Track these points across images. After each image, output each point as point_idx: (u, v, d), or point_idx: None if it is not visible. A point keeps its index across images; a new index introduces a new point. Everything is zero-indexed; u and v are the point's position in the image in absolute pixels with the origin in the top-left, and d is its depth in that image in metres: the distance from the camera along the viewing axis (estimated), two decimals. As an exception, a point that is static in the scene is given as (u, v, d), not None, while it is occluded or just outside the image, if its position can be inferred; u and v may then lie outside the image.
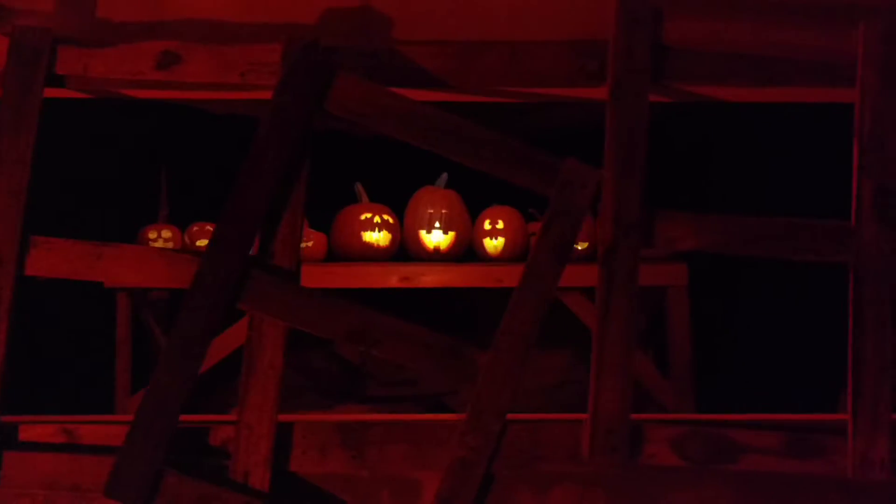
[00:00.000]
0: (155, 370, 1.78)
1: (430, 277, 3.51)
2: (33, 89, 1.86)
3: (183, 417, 1.85)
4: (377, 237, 3.49)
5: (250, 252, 1.83)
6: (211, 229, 3.29)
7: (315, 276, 3.47)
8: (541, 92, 2.00)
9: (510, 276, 3.53)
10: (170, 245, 3.31)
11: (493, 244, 3.45)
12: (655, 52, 1.92)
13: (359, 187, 3.56)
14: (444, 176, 3.50)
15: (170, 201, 3.91)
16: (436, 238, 3.46)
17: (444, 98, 1.98)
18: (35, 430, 1.87)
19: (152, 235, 3.26)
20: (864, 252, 1.89)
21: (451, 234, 3.48)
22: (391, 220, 3.48)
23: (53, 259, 1.86)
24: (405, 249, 3.47)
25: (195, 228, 3.34)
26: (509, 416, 1.85)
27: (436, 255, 3.45)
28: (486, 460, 1.83)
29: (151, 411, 1.78)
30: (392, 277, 3.44)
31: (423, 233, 3.45)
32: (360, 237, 3.43)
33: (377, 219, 3.50)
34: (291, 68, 1.83)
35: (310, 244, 3.40)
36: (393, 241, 3.48)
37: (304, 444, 1.87)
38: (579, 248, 3.62)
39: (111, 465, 1.77)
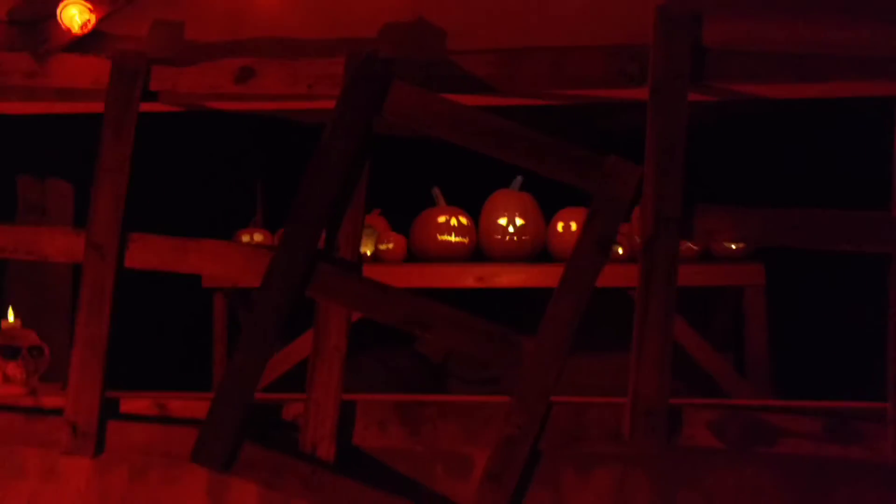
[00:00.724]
0: (235, 352, 2.00)
1: (504, 278, 3.64)
2: (131, 105, 2.12)
3: (259, 396, 2.07)
4: (452, 239, 3.65)
5: (316, 247, 2.03)
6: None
7: (395, 276, 3.65)
8: (583, 94, 2.12)
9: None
10: None
11: (566, 245, 3.57)
12: (695, 53, 2.02)
13: (436, 191, 3.73)
14: (519, 179, 3.63)
15: (263, 207, 4.22)
16: (510, 242, 3.59)
17: (495, 103, 2.14)
18: (133, 403, 2.12)
19: (245, 238, 3.54)
20: (904, 243, 1.93)
21: (526, 237, 3.61)
22: (466, 223, 3.63)
23: (147, 253, 2.11)
24: (481, 250, 3.61)
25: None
26: (553, 398, 1.98)
27: (510, 256, 3.58)
28: (532, 438, 1.96)
29: (231, 388, 1.99)
30: (468, 277, 3.59)
31: (497, 237, 3.59)
32: (436, 239, 3.60)
33: (453, 221, 3.66)
34: (351, 79, 2.02)
35: (390, 246, 3.60)
36: (469, 242, 3.63)
37: (365, 420, 2.05)
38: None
39: (197, 435, 1.99)
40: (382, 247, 3.62)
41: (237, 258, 2.08)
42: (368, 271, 3.53)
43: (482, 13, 2.13)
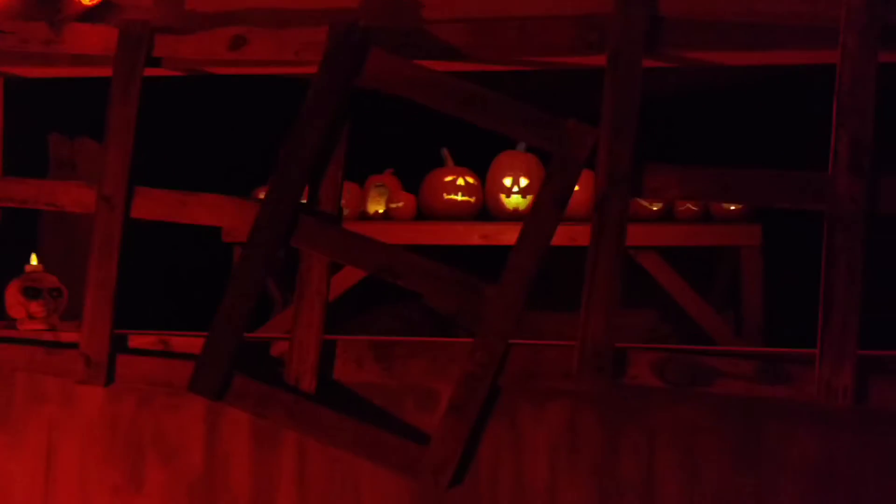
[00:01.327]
0: (226, 294, 2.23)
1: (508, 236, 3.80)
2: (136, 69, 2.33)
3: (251, 335, 2.30)
4: (458, 197, 3.81)
5: (300, 200, 2.24)
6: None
7: (404, 234, 3.84)
8: (548, 60, 2.29)
9: (584, 236, 3.77)
10: None
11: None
12: (651, 22, 2.16)
13: (445, 152, 3.89)
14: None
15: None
16: (514, 200, 3.74)
17: (467, 69, 2.31)
18: (140, 339, 2.38)
19: (262, 195, 3.73)
20: (838, 201, 2.07)
21: (530, 196, 3.76)
22: (473, 182, 3.80)
23: (151, 205, 2.35)
24: (487, 209, 3.77)
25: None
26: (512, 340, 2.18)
27: (514, 215, 3.74)
28: (492, 375, 2.16)
29: (223, 326, 2.23)
30: (473, 235, 3.77)
31: (502, 196, 3.76)
32: (442, 198, 3.77)
33: (460, 181, 3.83)
34: (332, 47, 2.21)
35: (401, 205, 3.78)
36: (476, 201, 3.80)
37: (344, 357, 2.27)
38: (654, 208, 3.82)
39: (193, 367, 2.24)
40: (393, 205, 3.80)
41: (230, 209, 2.30)
42: (379, 229, 3.77)
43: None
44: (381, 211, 3.78)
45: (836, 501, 2.10)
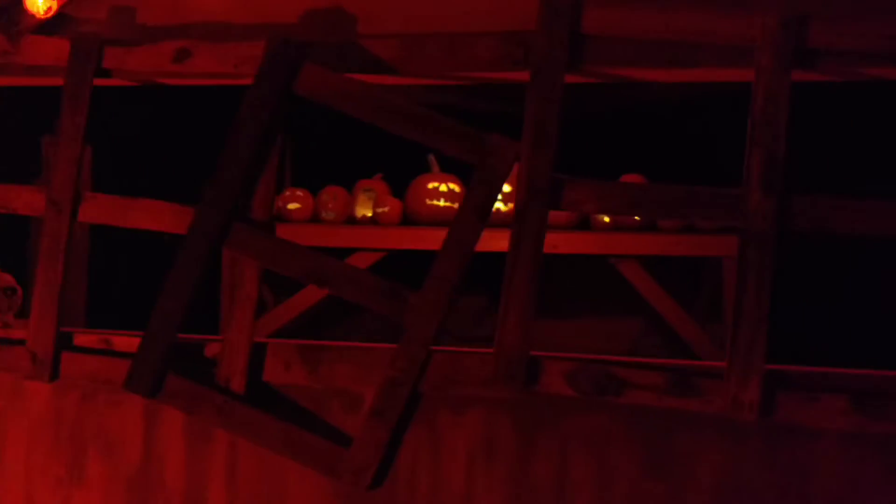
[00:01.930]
0: (160, 297, 2.32)
1: (486, 243, 3.86)
2: (86, 80, 2.44)
3: (187, 336, 2.39)
4: (441, 203, 3.87)
5: (233, 207, 2.32)
6: (301, 194, 3.86)
7: (389, 238, 3.91)
8: (475, 75, 2.35)
9: (566, 243, 3.83)
10: None
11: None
12: (574, 40, 2.21)
13: (431, 158, 3.94)
14: None
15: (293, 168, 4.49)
16: (497, 206, 3.79)
17: (399, 82, 2.38)
18: (84, 338, 2.49)
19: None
20: (749, 217, 2.10)
21: (511, 204, 3.81)
22: (457, 189, 3.83)
23: (97, 209, 2.46)
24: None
25: (287, 193, 3.88)
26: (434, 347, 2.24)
27: (494, 222, 3.78)
28: (413, 381, 2.23)
29: (157, 328, 2.32)
30: None
31: None
32: (425, 203, 3.83)
33: (443, 187, 3.89)
34: (266, 61, 2.30)
35: (386, 209, 3.84)
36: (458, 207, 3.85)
37: (273, 359, 2.35)
38: (637, 217, 3.84)
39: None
40: (379, 210, 3.86)
41: (169, 214, 2.40)
42: (365, 233, 3.80)
43: (388, 2, 2.37)
44: (368, 215, 3.85)
45: (742, 511, 2.13)
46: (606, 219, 3.66)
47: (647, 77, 2.30)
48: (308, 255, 2.33)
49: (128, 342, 2.44)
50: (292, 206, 3.86)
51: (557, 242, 3.77)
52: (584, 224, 3.71)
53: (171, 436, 2.41)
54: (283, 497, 2.35)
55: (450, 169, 3.87)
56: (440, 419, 2.27)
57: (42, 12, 2.43)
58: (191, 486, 2.39)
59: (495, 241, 3.76)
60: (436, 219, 3.79)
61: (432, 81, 2.39)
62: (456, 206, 3.78)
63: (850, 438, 2.08)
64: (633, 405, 2.15)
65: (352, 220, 3.86)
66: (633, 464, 2.17)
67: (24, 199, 2.51)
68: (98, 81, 2.47)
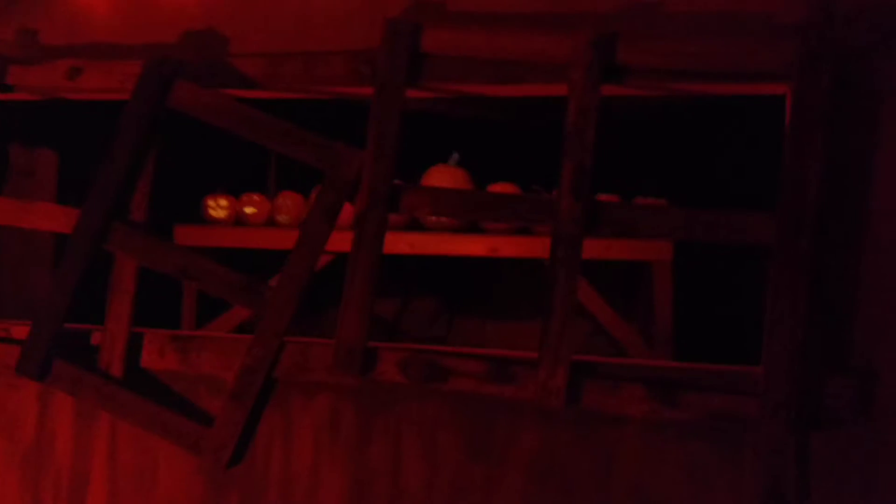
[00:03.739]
0: (48, 289, 2.58)
1: (433, 246, 4.06)
2: (-13, 95, 2.74)
3: (75, 325, 2.63)
4: None
5: (113, 209, 2.58)
6: (257, 199, 4.10)
7: (338, 242, 4.10)
8: (329, 90, 2.58)
9: (506, 246, 4.02)
10: (224, 212, 4.13)
11: None
12: (414, 58, 2.43)
13: None
14: (455, 155, 4.00)
15: (276, 174, 4.74)
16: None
17: (263, 96, 2.62)
18: (-13, 327, 2.76)
19: (211, 203, 4.08)
20: (561, 220, 2.29)
21: None
22: None
23: (-2, 212, 2.74)
24: (416, 219, 3.93)
25: (244, 197, 4.13)
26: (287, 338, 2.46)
27: (439, 225, 3.98)
28: (267, 368, 2.46)
29: (44, 317, 2.59)
30: (402, 244, 4.00)
31: None
32: None
33: None
34: (142, 77, 2.55)
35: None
36: None
37: (149, 347, 2.59)
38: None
39: (23, 352, 2.60)
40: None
41: (61, 216, 2.66)
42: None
43: (256, 23, 2.61)
44: None
45: (553, 491, 2.31)
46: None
47: (482, 92, 2.51)
48: (178, 253, 2.57)
49: (26, 331, 2.70)
50: (249, 209, 4.11)
51: (498, 246, 3.96)
52: (526, 228, 3.84)
53: (61, 417, 2.67)
54: (156, 472, 2.59)
55: (399, 176, 4.08)
56: (293, 403, 2.50)
57: (-47, 34, 2.72)
58: (77, 462, 2.65)
59: (449, 245, 4.01)
60: None
61: (291, 96, 2.62)
62: None
63: (649, 426, 2.26)
64: (460, 392, 2.35)
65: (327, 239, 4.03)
66: (459, 446, 2.38)
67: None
68: (2, 96, 2.75)
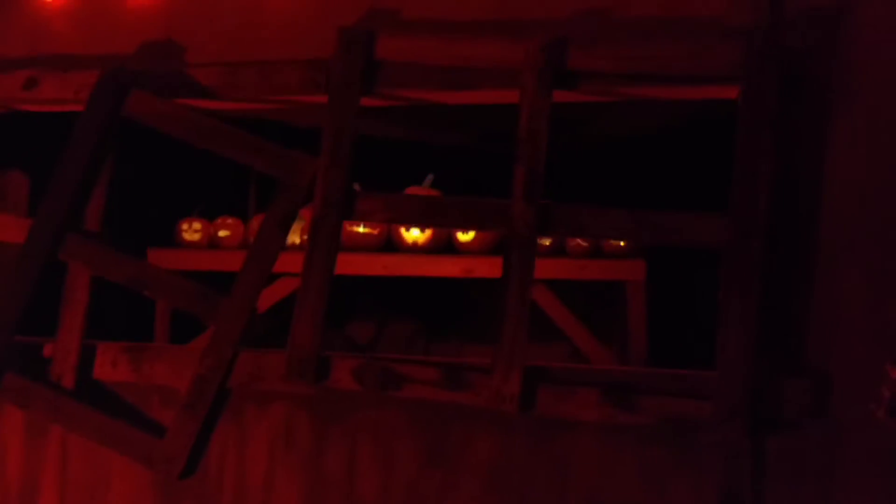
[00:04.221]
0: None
1: (407, 267, 4.04)
2: (-55, 104, 2.73)
3: (27, 338, 2.59)
4: (360, 229, 4.06)
5: (67, 218, 2.56)
6: (231, 222, 4.08)
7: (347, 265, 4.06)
8: (284, 99, 2.58)
9: (481, 267, 4.00)
10: (198, 235, 4.11)
11: (464, 237, 3.84)
12: (368, 66, 2.43)
13: (355, 186, 4.15)
14: (430, 177, 3.99)
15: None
16: (414, 233, 3.97)
17: (221, 107, 2.62)
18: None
19: (185, 226, 4.06)
20: (514, 224, 2.28)
21: (429, 230, 3.98)
22: None
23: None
24: (392, 242, 3.95)
25: (218, 220, 4.12)
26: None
27: (414, 248, 3.95)
28: (220, 378, 2.42)
29: (-5, 328, 2.55)
30: (376, 265, 3.99)
31: (402, 229, 4.00)
32: (346, 228, 3.97)
33: None
34: (97, 87, 2.55)
35: None
36: (378, 233, 4.03)
37: (102, 358, 2.56)
38: (546, 243, 4.01)
39: (-26, 364, 2.56)
40: (306, 237, 3.99)
41: (14, 227, 2.66)
42: (292, 259, 3.96)
43: (213, 34, 2.62)
44: (297, 242, 4.03)
45: (508, 496, 2.28)
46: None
47: (434, 98, 2.51)
48: (130, 263, 2.55)
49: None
50: (223, 233, 4.10)
51: (473, 267, 3.94)
52: (500, 249, 3.84)
53: (12, 432, 2.63)
54: (108, 485, 2.54)
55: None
56: (247, 412, 2.46)
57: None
58: (27, 476, 2.60)
59: (424, 266, 3.98)
60: (357, 244, 3.93)
61: (248, 105, 2.62)
62: (375, 231, 3.95)
63: (605, 431, 2.23)
64: (416, 399, 2.32)
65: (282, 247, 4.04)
66: (415, 453, 2.35)
67: None
68: (-39, 107, 2.75)
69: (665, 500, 2.20)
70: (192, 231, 4.04)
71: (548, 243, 3.96)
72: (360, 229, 4.06)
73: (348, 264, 3.88)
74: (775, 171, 2.15)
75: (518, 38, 2.33)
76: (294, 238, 3.95)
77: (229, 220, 4.08)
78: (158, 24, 2.66)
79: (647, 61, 2.27)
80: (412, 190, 3.94)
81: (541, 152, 2.29)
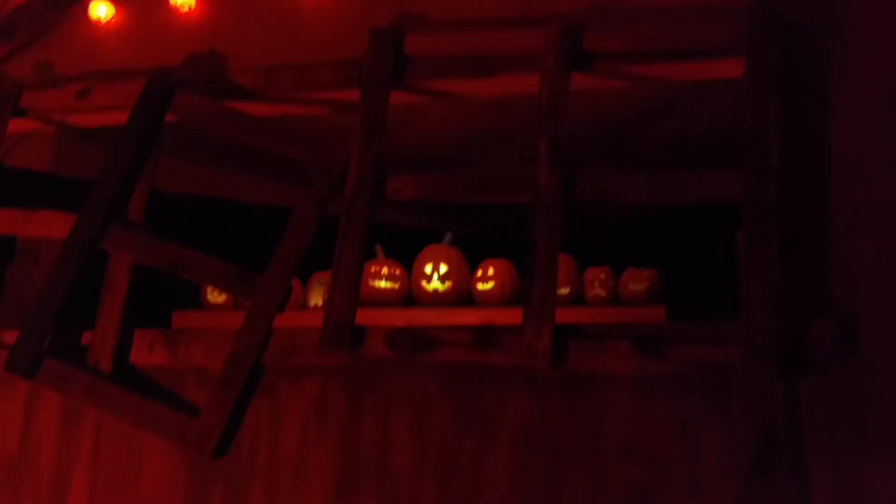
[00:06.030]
0: (41, 288, 2.64)
1: (428, 320, 4.09)
2: (3, 118, 2.91)
3: (68, 326, 2.66)
4: (382, 285, 4.15)
5: (111, 211, 2.68)
6: None
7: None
8: (319, 96, 2.76)
9: (500, 317, 4.05)
10: (222, 297, 4.16)
11: (484, 287, 3.98)
12: (397, 61, 2.63)
13: (377, 247, 4.29)
14: (449, 235, 4.15)
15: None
16: (433, 285, 4.06)
17: (261, 112, 2.80)
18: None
19: (210, 288, 4.06)
20: (539, 191, 2.39)
21: (449, 283, 4.08)
22: (398, 272, 4.07)
23: (2, 222, 2.84)
24: (412, 296, 4.05)
25: None
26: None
27: (434, 298, 4.01)
28: (255, 354, 2.47)
29: (36, 315, 2.62)
30: (398, 320, 4.06)
31: (423, 282, 4.10)
32: (368, 284, 4.07)
33: (384, 270, 4.16)
34: (145, 88, 2.75)
35: None
36: (399, 288, 4.13)
37: (139, 343, 2.62)
38: (565, 292, 4.08)
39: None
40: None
41: (60, 223, 2.76)
42: (311, 316, 4.02)
43: (251, 42, 2.84)
44: (319, 304, 4.11)
45: (543, 456, 2.26)
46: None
47: (462, 90, 2.69)
48: (170, 248, 2.65)
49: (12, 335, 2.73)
50: None
51: (492, 317, 3.96)
52: (520, 299, 3.83)
53: (47, 422, 2.65)
54: (140, 469, 2.54)
55: (396, 255, 4.14)
56: (280, 388, 2.49)
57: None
58: (60, 463, 2.60)
59: (444, 318, 4.00)
60: (377, 298, 4.02)
61: (287, 105, 2.80)
62: (396, 286, 4.06)
63: (637, 383, 2.25)
64: (448, 364, 2.36)
65: (303, 306, 4.12)
66: (448, 419, 2.35)
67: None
68: (16, 119, 2.94)
69: (699, 448, 2.18)
70: (216, 293, 4.14)
71: (566, 292, 4.03)
72: (382, 284, 4.15)
73: (372, 319, 3.96)
74: (783, 128, 2.27)
75: (536, 28, 2.52)
76: (317, 300, 4.04)
77: (254, 282, 4.16)
78: (202, 37, 2.89)
79: (655, 39, 2.45)
80: (430, 247, 4.09)
81: (561, 126, 2.43)
